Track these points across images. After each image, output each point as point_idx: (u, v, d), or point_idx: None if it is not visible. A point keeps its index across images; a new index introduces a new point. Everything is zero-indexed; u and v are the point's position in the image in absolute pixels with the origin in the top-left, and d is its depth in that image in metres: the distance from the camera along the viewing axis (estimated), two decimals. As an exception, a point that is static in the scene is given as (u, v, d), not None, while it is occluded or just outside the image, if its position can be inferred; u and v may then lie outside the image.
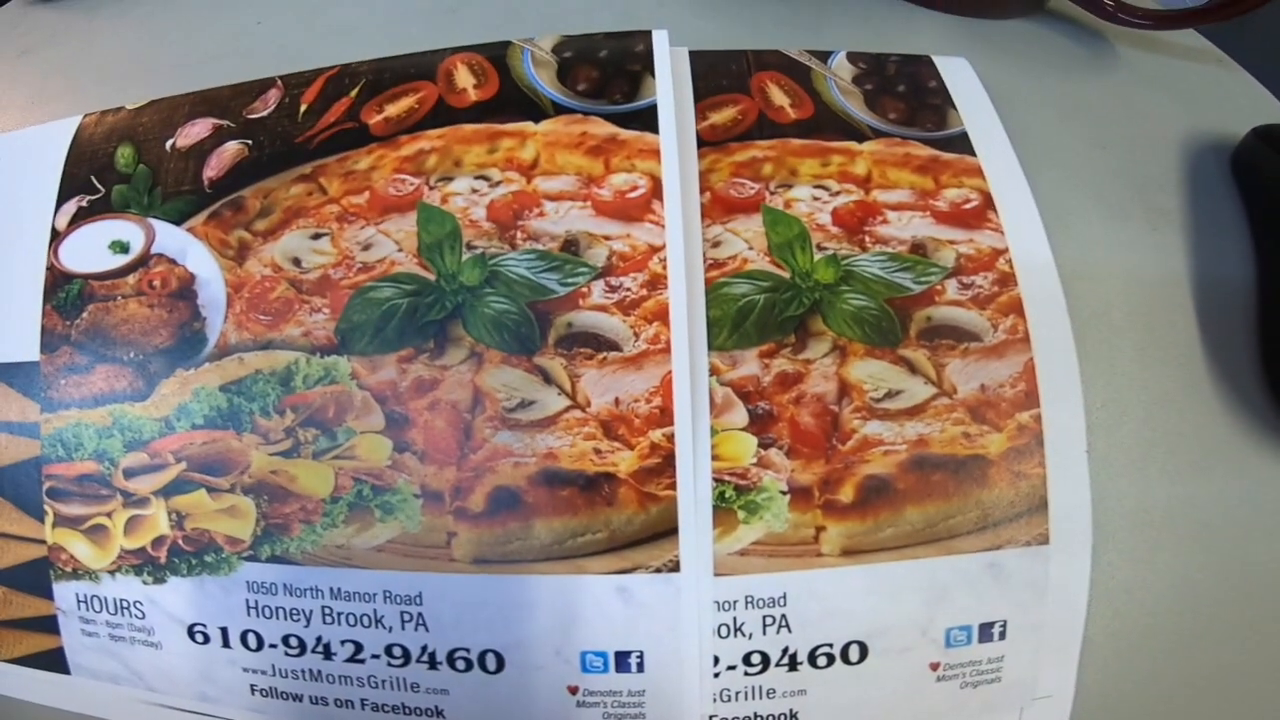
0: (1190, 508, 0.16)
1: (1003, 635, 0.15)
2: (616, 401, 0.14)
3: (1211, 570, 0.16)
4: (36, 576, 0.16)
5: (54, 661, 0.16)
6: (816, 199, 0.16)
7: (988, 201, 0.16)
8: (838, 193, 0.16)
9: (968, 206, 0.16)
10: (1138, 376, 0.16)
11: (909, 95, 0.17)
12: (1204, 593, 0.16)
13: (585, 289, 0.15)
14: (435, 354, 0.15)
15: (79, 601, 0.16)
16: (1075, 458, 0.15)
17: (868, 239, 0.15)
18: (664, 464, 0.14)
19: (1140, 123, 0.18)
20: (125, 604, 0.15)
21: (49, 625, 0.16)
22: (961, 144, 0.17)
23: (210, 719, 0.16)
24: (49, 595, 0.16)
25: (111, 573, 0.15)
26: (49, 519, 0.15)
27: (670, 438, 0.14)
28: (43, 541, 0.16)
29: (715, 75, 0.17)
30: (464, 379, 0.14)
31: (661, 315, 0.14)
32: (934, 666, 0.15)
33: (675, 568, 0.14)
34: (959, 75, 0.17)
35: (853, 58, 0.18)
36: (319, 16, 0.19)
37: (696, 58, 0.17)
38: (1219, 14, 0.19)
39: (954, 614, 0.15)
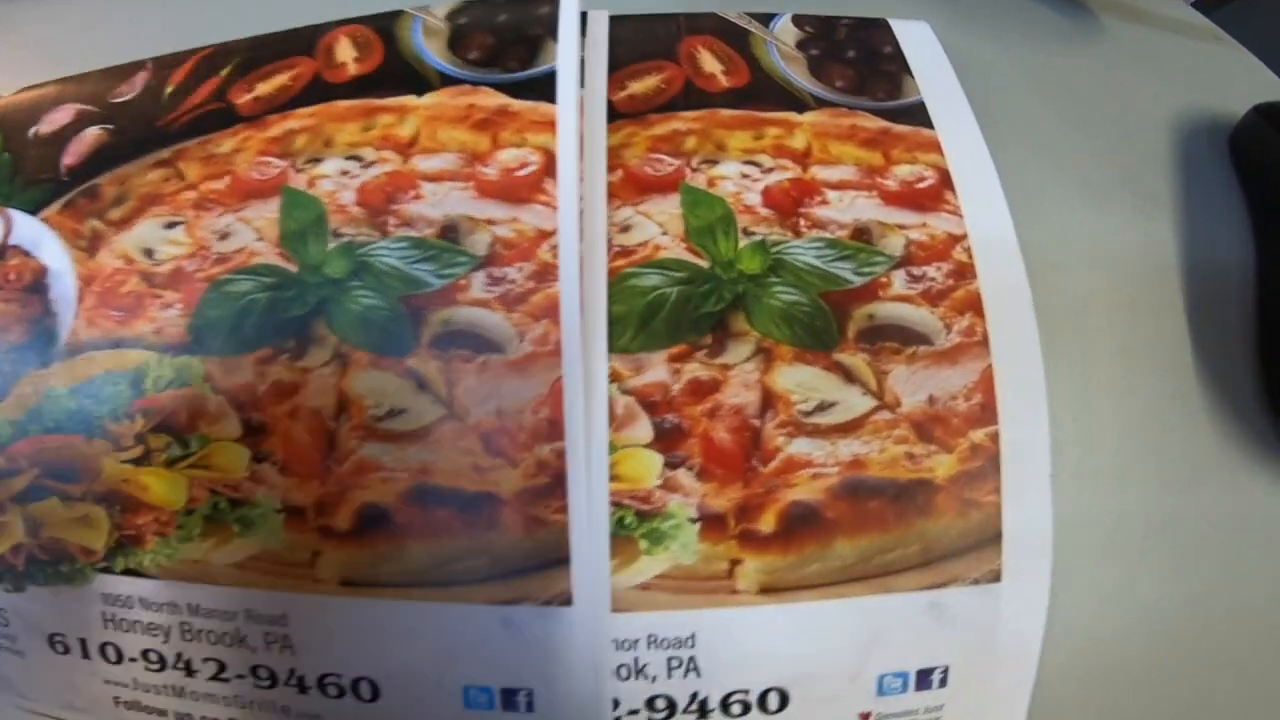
0: (1171, 533, 0.12)
1: (943, 682, 0.11)
2: (498, 411, 0.11)
3: (1193, 603, 0.12)
4: None
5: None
6: (746, 176, 0.12)
7: (945, 180, 0.12)
8: (770, 169, 0.12)
9: (921, 185, 0.12)
10: (1117, 384, 0.12)
11: (859, 61, 0.13)
12: (1180, 627, 0.12)
13: (464, 281, 0.11)
14: (296, 354, 0.11)
15: (-58, 609, 0.13)
16: (1037, 484, 0.11)
17: (803, 223, 0.12)
18: (553, 484, 0.11)
19: (1127, 100, 0.14)
20: (-12, 612, 0.13)
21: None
22: (918, 115, 0.13)
23: (74, 730, 0.13)
24: (-91, 599, 0.13)
25: (-30, 579, 0.13)
26: (-95, 521, 0.13)
27: (560, 454, 0.11)
28: (-100, 543, 0.13)
29: (639, 41, 0.13)
30: (328, 383, 0.11)
31: (551, 311, 0.11)
32: (864, 717, 0.12)
33: (567, 601, 0.11)
34: (918, 39, 0.14)
35: (798, 20, 0.14)
36: (213, 4, 0.16)
37: (618, 22, 0.14)
38: (1221, -21, 0.15)
39: (889, 659, 0.11)
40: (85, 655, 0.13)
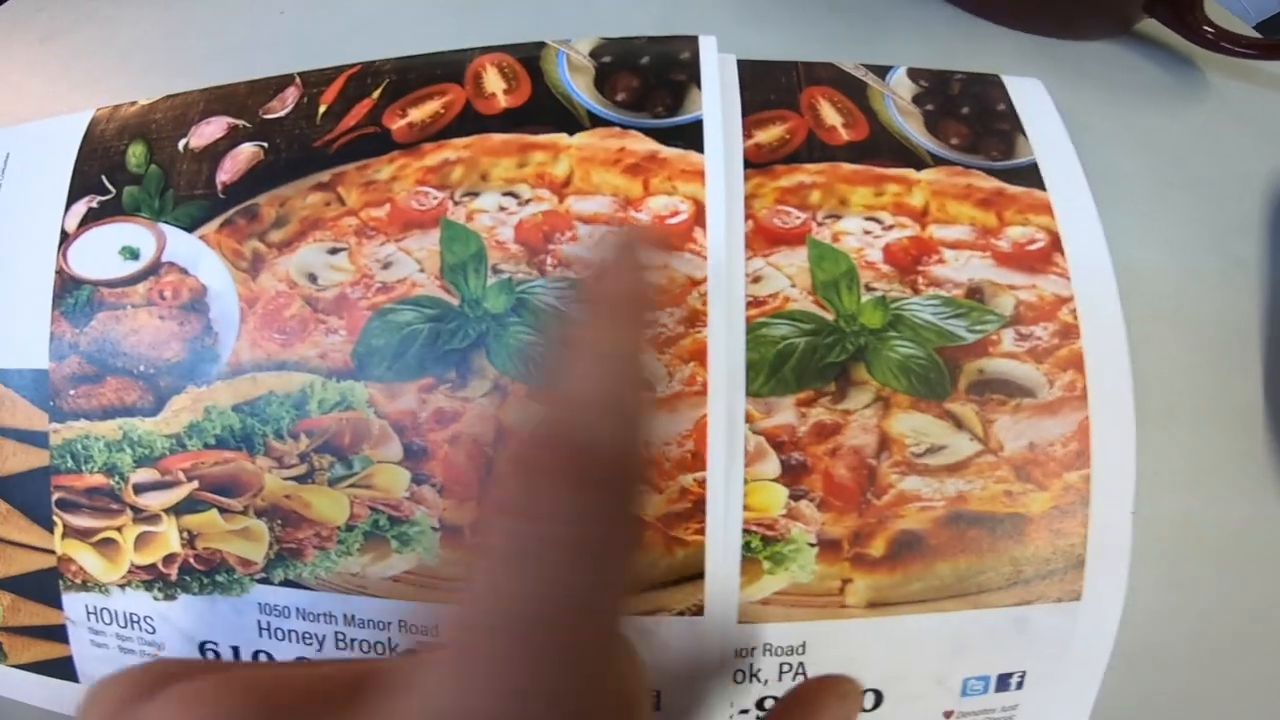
0: (1229, 570, 0.16)
1: (1020, 685, 0.15)
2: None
3: (1238, 628, 0.16)
4: (46, 586, 0.16)
5: (63, 669, 0.17)
6: (868, 233, 0.16)
7: (1055, 243, 0.16)
8: (891, 226, 0.16)
9: (1032, 248, 0.16)
10: (1195, 440, 0.16)
11: (974, 118, 0.17)
12: (1220, 648, 0.16)
13: None
14: (458, 385, 0.15)
15: (88, 613, 0.16)
16: (1120, 519, 0.15)
17: (921, 280, 0.15)
18: (693, 509, 0.14)
19: (1226, 161, 0.18)
20: (135, 618, 0.16)
21: (58, 634, 0.17)
22: (1030, 176, 0.16)
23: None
24: (58, 605, 0.16)
25: (122, 586, 0.16)
26: (58, 530, 0.16)
27: (701, 483, 0.14)
28: (52, 552, 0.16)
29: (762, 88, 0.17)
30: (487, 413, 0.15)
31: (699, 355, 0.15)
32: (947, 715, 0.15)
33: (699, 611, 0.15)
34: (1032, 98, 0.17)
35: (914, 74, 0.18)
36: (344, 7, 0.19)
37: (744, 68, 0.17)
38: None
39: (973, 665, 0.15)
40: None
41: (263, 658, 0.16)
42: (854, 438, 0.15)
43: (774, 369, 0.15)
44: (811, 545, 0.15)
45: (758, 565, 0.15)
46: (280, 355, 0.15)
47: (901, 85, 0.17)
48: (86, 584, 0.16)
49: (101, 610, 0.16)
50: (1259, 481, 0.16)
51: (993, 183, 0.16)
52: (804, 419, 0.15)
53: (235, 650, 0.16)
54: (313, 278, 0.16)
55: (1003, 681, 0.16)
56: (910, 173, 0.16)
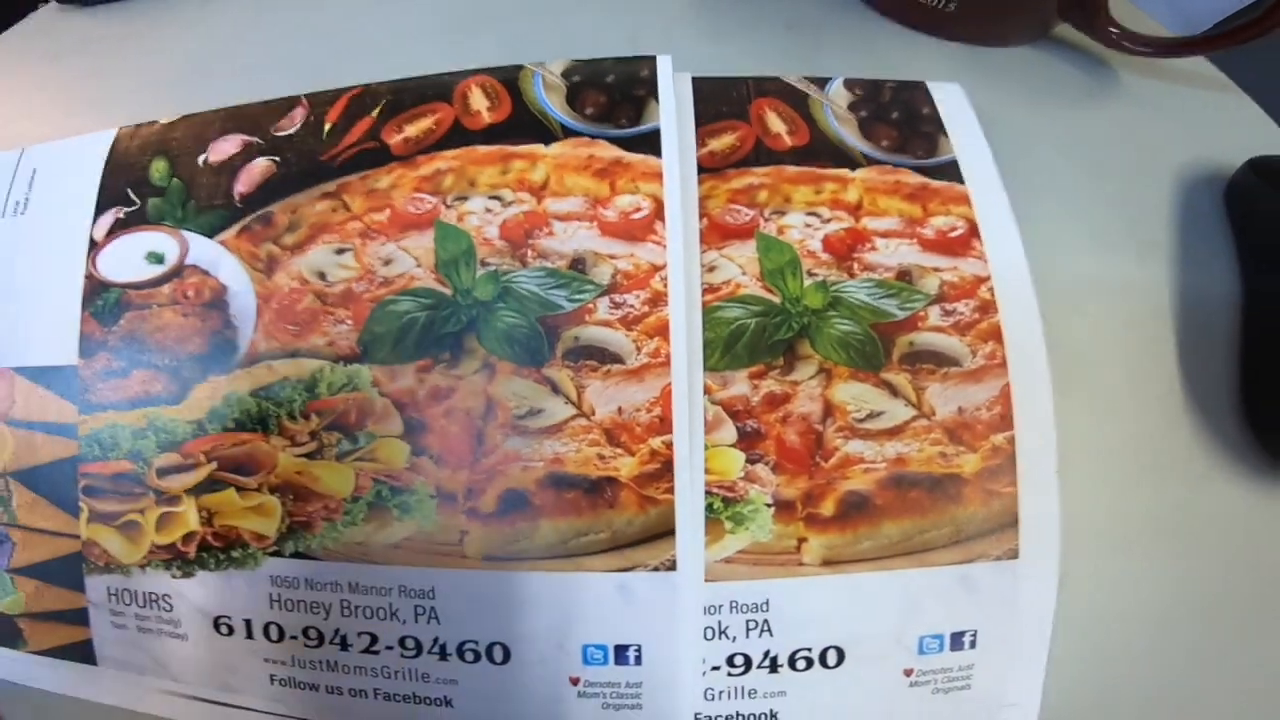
0: (1162, 537, 0.20)
1: (973, 644, 0.19)
2: (619, 410, 0.19)
3: (1179, 594, 0.20)
4: (69, 570, 0.20)
5: (83, 653, 0.21)
6: (809, 226, 0.20)
7: (973, 230, 0.20)
8: (829, 220, 0.20)
9: (953, 235, 0.20)
10: (1117, 404, 0.20)
11: (902, 122, 0.22)
12: (1168, 614, 0.20)
13: (591, 305, 0.19)
14: (451, 364, 0.19)
15: (110, 594, 0.20)
16: (1046, 478, 0.19)
17: (856, 266, 0.20)
18: (663, 469, 0.19)
19: (1139, 152, 0.23)
20: (154, 597, 0.20)
21: (79, 618, 0.21)
22: (951, 171, 0.21)
23: (228, 708, 0.20)
24: (80, 588, 0.20)
25: (142, 566, 0.20)
26: (84, 515, 0.20)
27: (669, 445, 0.18)
28: (76, 536, 0.20)
29: (716, 101, 0.22)
30: (478, 388, 0.19)
31: (662, 331, 0.19)
32: (907, 672, 0.19)
33: (672, 566, 0.19)
34: (952, 101, 0.22)
35: (850, 84, 0.22)
36: (340, 34, 0.24)
37: (698, 84, 0.22)
38: (1224, 41, 0.23)
39: (927, 623, 0.19)
40: (249, 635, 0.20)
41: (273, 629, 0.20)
42: (801, 406, 0.19)
43: (728, 346, 0.19)
44: (768, 505, 0.19)
45: (720, 526, 0.19)
46: (293, 344, 0.20)
47: (839, 94, 0.22)
48: (109, 566, 0.20)
49: (122, 591, 0.20)
50: (1176, 444, 0.20)
51: (918, 179, 0.21)
52: (756, 390, 0.19)
53: (248, 623, 0.20)
54: (322, 275, 0.20)
55: (956, 640, 0.19)
56: (846, 172, 0.21)
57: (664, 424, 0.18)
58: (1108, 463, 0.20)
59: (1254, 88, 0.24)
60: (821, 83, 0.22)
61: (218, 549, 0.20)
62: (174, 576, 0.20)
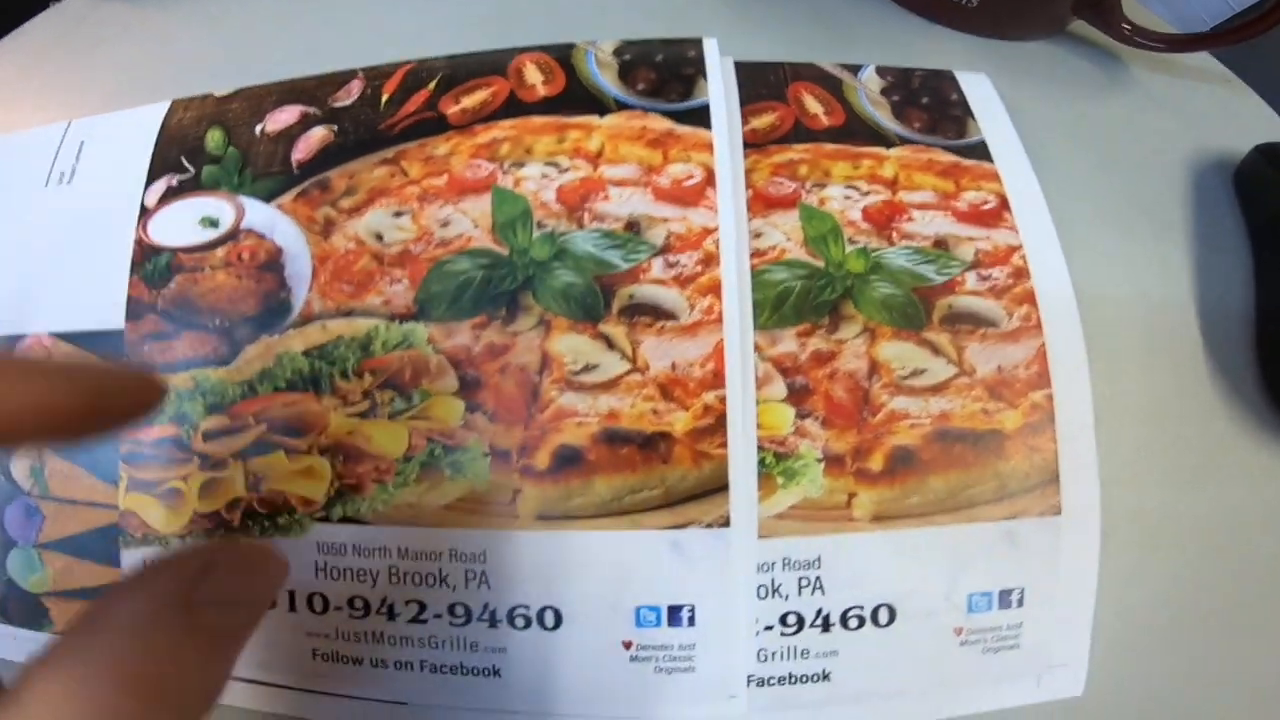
0: (1188, 509, 0.22)
1: (1020, 602, 0.21)
2: (673, 366, 0.21)
3: (1207, 566, 0.22)
4: (104, 543, 0.22)
5: (110, 629, 0.22)
6: (848, 198, 0.23)
7: (1003, 203, 0.23)
8: (867, 193, 0.23)
9: (985, 207, 0.23)
10: (1140, 387, 0.23)
11: (932, 107, 0.25)
12: (1201, 587, 0.22)
13: (646, 264, 0.22)
14: (507, 320, 0.21)
15: (144, 566, 0.22)
16: (1084, 434, 0.22)
17: (895, 234, 0.23)
18: (716, 425, 0.21)
19: (1149, 141, 0.26)
20: (192, 566, 0.21)
21: (109, 591, 0.22)
22: (980, 151, 0.24)
23: (263, 686, 0.22)
24: (115, 562, 0.22)
25: (182, 537, 0.21)
26: (123, 484, 0.21)
27: (722, 399, 0.21)
28: (114, 507, 0.22)
29: (756, 84, 0.25)
30: (533, 344, 0.21)
31: (714, 289, 0.21)
32: (957, 631, 0.21)
33: (726, 523, 0.20)
34: (979, 89, 0.25)
35: (881, 71, 0.26)
36: (385, 22, 0.27)
37: (739, 68, 0.25)
38: (1230, 37, 0.27)
39: (976, 580, 0.21)
40: (292, 608, 0.21)
41: (317, 600, 0.21)
42: (847, 363, 0.21)
43: (775, 306, 0.22)
44: (819, 460, 0.21)
45: (773, 480, 0.21)
46: (348, 304, 0.22)
47: (871, 80, 0.25)
48: (146, 538, 0.21)
49: (158, 562, 0.22)
50: (1201, 412, 0.22)
51: (950, 157, 0.24)
52: (804, 347, 0.21)
53: (291, 595, 0.21)
54: (379, 236, 0.22)
55: (1004, 598, 0.21)
56: (881, 150, 0.24)
57: (717, 378, 0.21)
58: (1131, 443, 0.22)
59: (1255, 80, 0.28)
60: (854, 69, 0.25)
61: (264, 515, 0.21)
62: (215, 546, 0.21)
